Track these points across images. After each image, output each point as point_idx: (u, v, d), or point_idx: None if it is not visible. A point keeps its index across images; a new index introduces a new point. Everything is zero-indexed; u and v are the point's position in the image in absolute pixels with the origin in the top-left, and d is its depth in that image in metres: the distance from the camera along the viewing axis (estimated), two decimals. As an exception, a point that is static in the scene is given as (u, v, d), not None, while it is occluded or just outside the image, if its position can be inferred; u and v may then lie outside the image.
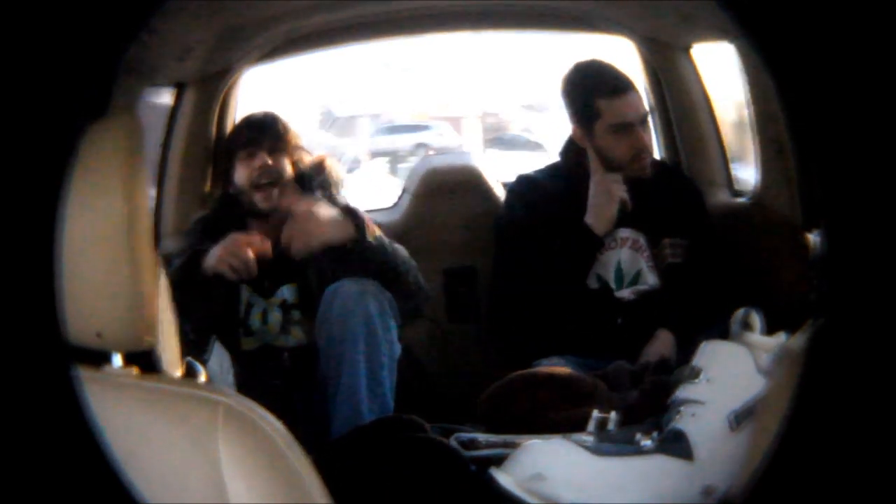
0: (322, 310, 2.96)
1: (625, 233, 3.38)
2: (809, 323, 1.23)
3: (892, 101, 1.20)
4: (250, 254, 2.96)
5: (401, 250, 3.14)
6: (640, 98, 3.37)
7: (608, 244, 3.35)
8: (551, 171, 3.54)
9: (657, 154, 3.92)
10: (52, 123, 1.26)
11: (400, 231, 3.73)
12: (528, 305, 3.33)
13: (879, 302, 1.17)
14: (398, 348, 3.02)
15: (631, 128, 3.31)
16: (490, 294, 3.61)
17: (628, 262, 3.37)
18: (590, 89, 3.37)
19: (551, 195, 3.41)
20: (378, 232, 3.11)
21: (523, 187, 3.53)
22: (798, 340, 1.28)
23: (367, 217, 3.08)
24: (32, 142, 1.25)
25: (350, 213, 3.05)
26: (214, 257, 2.99)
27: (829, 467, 1.15)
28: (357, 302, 2.90)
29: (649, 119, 3.40)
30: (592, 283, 3.35)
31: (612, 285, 3.36)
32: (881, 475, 1.14)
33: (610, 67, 3.43)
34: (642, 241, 3.39)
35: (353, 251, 2.97)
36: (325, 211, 3.01)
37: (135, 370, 1.42)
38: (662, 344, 3.19)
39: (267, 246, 3.00)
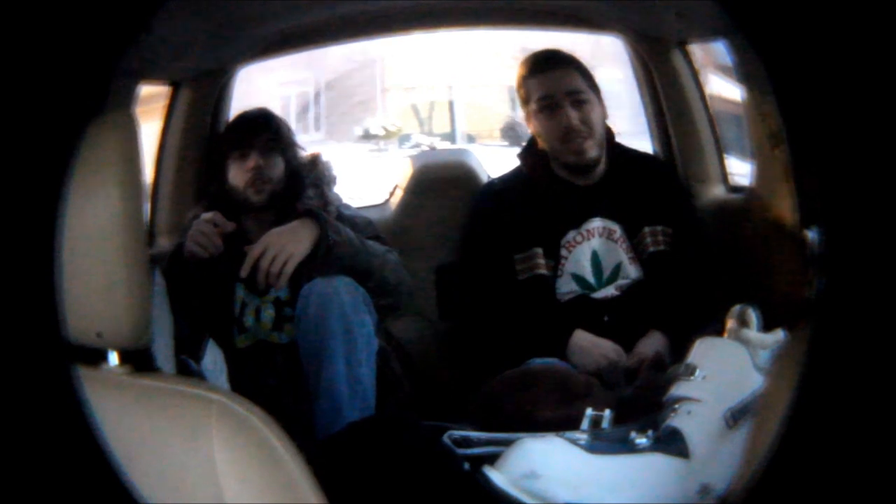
0: (299, 309, 2.99)
1: (595, 223, 3.29)
2: (808, 321, 1.23)
3: (887, 97, 1.20)
4: (213, 230, 3.05)
5: (374, 246, 3.15)
6: (571, 75, 3.26)
7: (575, 239, 3.27)
8: (515, 174, 3.47)
9: (650, 148, 3.92)
10: (51, 123, 1.26)
11: (391, 227, 3.72)
12: (497, 323, 3.28)
13: (878, 299, 1.17)
14: (376, 343, 3.03)
15: (558, 104, 3.23)
16: (461, 306, 3.54)
17: (606, 255, 3.27)
18: (523, 68, 3.34)
19: (512, 203, 3.34)
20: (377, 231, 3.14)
21: (484, 199, 3.48)
22: (797, 338, 1.27)
23: (329, 218, 3.10)
24: (32, 142, 1.25)
25: (311, 215, 3.10)
26: (186, 243, 3.06)
27: (830, 467, 1.14)
28: (331, 299, 2.92)
29: (591, 97, 3.26)
30: (569, 285, 3.28)
31: (592, 280, 3.27)
32: (881, 474, 1.13)
33: (549, 49, 3.37)
34: (619, 231, 3.29)
35: (318, 251, 3.01)
36: (282, 236, 3.04)
37: (129, 368, 1.41)
38: (653, 344, 3.13)
39: (228, 224, 3.08)
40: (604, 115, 3.32)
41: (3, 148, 1.23)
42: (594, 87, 3.30)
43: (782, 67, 1.28)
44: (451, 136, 17.18)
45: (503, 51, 13.44)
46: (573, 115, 3.22)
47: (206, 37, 3.18)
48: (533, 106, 3.29)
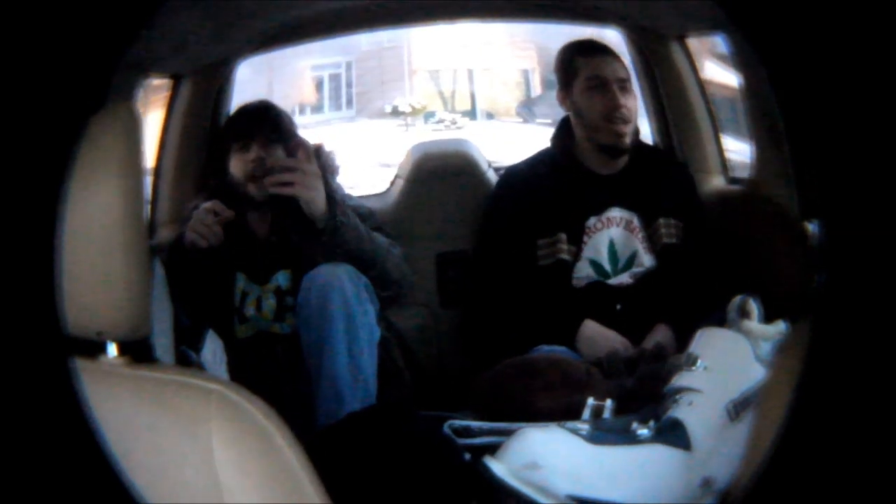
0: (301, 297, 2.97)
1: (616, 212, 3.36)
2: (810, 312, 1.23)
3: (885, 90, 1.20)
4: (213, 219, 3.03)
5: (379, 238, 3.15)
6: (621, 65, 3.39)
7: (595, 226, 3.34)
8: (540, 159, 3.52)
9: (650, 139, 3.92)
10: (52, 118, 1.26)
11: (392, 216, 3.73)
12: (510, 309, 3.32)
13: (880, 290, 1.16)
14: (378, 332, 3.02)
15: (606, 85, 3.32)
16: (471, 292, 3.57)
17: (622, 244, 3.34)
18: (572, 49, 3.44)
19: (537, 188, 3.40)
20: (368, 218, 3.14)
21: (508, 183, 3.53)
22: (799, 330, 1.27)
23: (341, 201, 3.09)
24: (33, 136, 1.24)
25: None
26: (186, 233, 3.05)
27: (832, 460, 1.14)
28: (333, 287, 2.91)
29: (632, 88, 3.39)
30: (585, 270, 3.33)
31: (607, 267, 3.33)
32: (883, 468, 1.13)
33: (593, 39, 3.51)
34: (636, 221, 3.36)
35: (325, 229, 2.98)
36: (315, 174, 3.03)
37: (128, 359, 1.41)
38: (657, 336, 3.16)
39: (228, 212, 3.05)
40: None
41: (5, 142, 1.23)
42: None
43: (780, 61, 1.28)
44: (471, 114, 17.72)
45: (515, 41, 13.91)
46: (621, 99, 3.31)
47: (207, 30, 3.17)
48: (580, 84, 3.37)
